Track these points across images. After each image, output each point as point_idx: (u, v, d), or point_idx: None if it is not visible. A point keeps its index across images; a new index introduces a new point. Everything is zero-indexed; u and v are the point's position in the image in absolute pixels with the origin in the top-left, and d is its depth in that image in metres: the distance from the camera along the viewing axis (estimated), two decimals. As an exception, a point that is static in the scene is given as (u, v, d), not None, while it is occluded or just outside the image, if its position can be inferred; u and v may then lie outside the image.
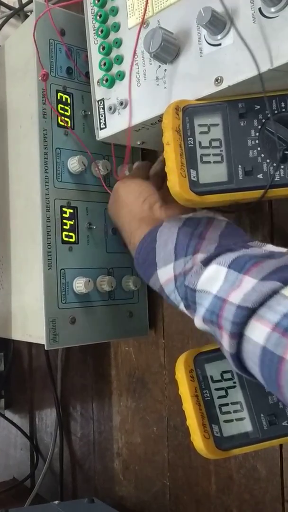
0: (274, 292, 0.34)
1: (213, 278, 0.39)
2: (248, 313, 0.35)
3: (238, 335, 0.35)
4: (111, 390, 0.77)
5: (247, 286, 0.36)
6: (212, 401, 0.43)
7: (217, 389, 0.43)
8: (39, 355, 0.92)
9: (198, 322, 0.41)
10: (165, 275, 0.45)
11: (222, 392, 0.43)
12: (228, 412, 0.42)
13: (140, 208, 0.51)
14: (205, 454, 0.41)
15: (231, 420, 0.42)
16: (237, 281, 0.37)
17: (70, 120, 0.62)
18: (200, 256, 0.42)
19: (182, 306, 0.44)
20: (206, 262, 0.41)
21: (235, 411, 0.42)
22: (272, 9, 0.39)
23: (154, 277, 0.46)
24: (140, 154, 0.68)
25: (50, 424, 0.91)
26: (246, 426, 0.42)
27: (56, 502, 0.75)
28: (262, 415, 0.42)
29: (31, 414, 0.97)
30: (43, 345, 0.86)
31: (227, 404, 0.43)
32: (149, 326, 0.69)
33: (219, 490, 0.61)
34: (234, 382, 0.43)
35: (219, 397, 0.43)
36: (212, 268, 0.40)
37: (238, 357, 0.36)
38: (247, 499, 0.58)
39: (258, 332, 0.34)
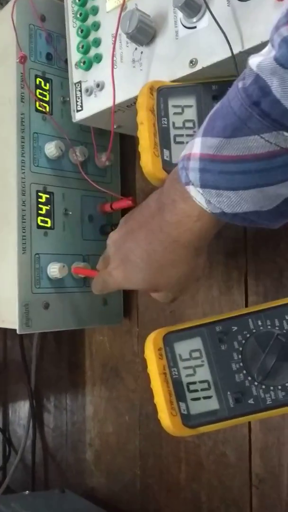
0: None
1: None
2: None
3: None
4: (85, 380, 0.77)
5: None
6: (180, 379, 0.43)
7: (185, 368, 0.43)
8: (14, 347, 0.92)
9: None
10: None
11: (190, 371, 0.43)
12: (196, 390, 0.43)
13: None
14: (172, 432, 0.42)
15: (199, 398, 0.42)
16: None
17: (49, 105, 0.63)
18: None
19: None
20: None
21: (202, 389, 0.43)
22: (246, -7, 0.40)
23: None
24: (119, 140, 0.68)
25: (23, 416, 0.91)
26: (213, 404, 0.42)
27: (27, 492, 0.75)
28: (228, 393, 0.42)
29: (4, 407, 0.97)
30: (18, 336, 0.85)
31: (194, 383, 0.43)
32: (124, 314, 0.69)
33: (189, 477, 0.61)
34: (202, 361, 0.43)
35: (187, 375, 0.43)
36: None
37: None
38: (216, 485, 0.58)
39: None
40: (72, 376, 0.79)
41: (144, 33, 0.46)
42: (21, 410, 0.91)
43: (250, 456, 0.55)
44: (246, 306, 0.55)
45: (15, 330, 0.58)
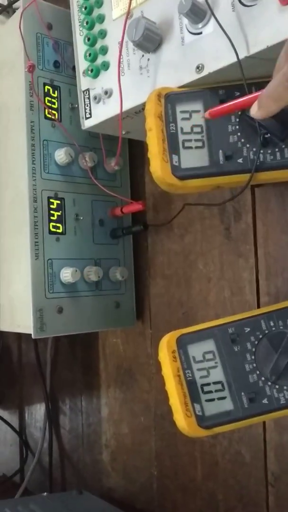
0: None
1: None
2: None
3: None
4: (99, 382, 0.78)
5: None
6: (194, 381, 0.44)
7: (199, 369, 0.44)
8: (29, 350, 0.93)
9: None
10: None
11: (204, 372, 0.44)
12: (210, 392, 0.43)
13: None
14: (187, 433, 0.42)
15: (213, 399, 0.43)
16: None
17: (58, 112, 0.63)
18: None
19: None
20: None
21: (216, 391, 0.43)
22: (251, -2, 0.41)
23: None
24: (127, 145, 0.69)
25: (39, 419, 0.92)
26: (227, 404, 0.43)
27: (45, 494, 0.76)
28: (242, 393, 0.43)
29: (20, 410, 0.98)
30: (33, 340, 0.86)
31: (208, 384, 0.43)
32: (136, 316, 0.69)
33: (205, 476, 0.62)
34: (216, 362, 0.44)
35: (201, 377, 0.44)
36: None
37: None
38: (232, 484, 0.59)
39: None
40: (86, 379, 0.80)
41: (150, 40, 0.46)
42: (37, 412, 0.92)
43: (265, 455, 0.55)
44: (258, 306, 0.55)
45: (30, 334, 0.59)
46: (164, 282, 0.67)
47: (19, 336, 0.96)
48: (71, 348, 0.84)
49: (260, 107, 0.38)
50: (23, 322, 0.62)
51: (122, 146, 0.69)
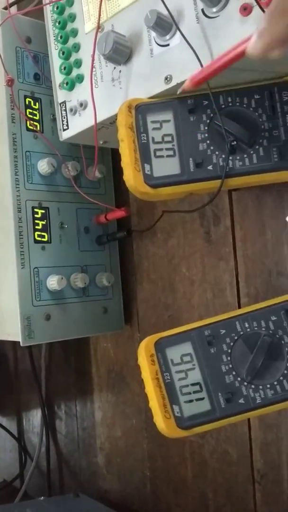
0: None
1: None
2: None
3: None
4: (92, 386, 0.79)
5: None
6: (172, 383, 0.45)
7: (177, 372, 0.45)
8: (24, 357, 0.94)
9: None
10: None
11: (182, 375, 0.45)
12: (188, 393, 0.44)
13: None
14: (166, 434, 0.43)
15: (191, 401, 0.44)
16: None
17: (39, 124, 0.65)
18: None
19: None
20: None
21: (194, 392, 0.44)
22: (214, 9, 0.42)
23: None
24: (110, 153, 0.70)
25: (37, 425, 0.93)
26: (205, 405, 0.44)
27: (42, 498, 0.77)
28: (219, 394, 0.44)
29: (18, 416, 0.99)
30: (27, 347, 0.88)
31: (187, 386, 0.45)
32: (125, 321, 0.71)
33: (195, 476, 0.63)
34: (193, 365, 0.45)
35: (180, 379, 0.45)
36: None
37: None
38: (221, 483, 0.60)
39: None
40: (80, 383, 0.82)
41: (120, 53, 0.47)
42: (34, 418, 0.94)
43: (251, 453, 0.56)
44: (239, 307, 0.56)
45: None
46: (150, 286, 0.68)
47: (15, 344, 0.97)
48: (64, 354, 0.85)
49: (260, 35, 0.29)
50: (12, 330, 0.63)
51: (105, 154, 0.70)
